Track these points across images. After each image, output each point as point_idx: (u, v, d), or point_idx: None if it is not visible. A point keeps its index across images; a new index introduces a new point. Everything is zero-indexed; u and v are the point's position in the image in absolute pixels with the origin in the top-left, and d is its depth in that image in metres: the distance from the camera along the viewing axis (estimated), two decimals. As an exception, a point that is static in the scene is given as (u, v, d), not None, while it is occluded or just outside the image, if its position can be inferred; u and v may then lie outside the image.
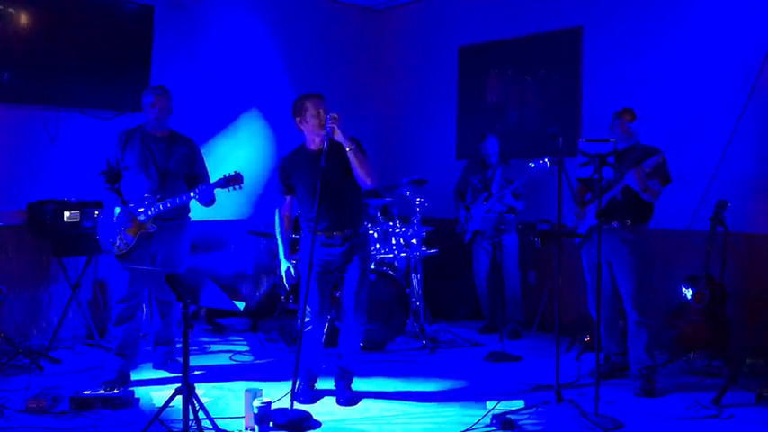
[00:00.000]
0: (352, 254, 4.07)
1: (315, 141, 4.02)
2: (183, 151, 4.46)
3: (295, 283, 4.21)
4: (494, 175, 5.80)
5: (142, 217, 4.27)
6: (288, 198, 4.18)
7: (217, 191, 4.31)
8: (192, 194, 4.27)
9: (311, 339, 4.10)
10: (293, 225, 4.38)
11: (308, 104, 3.98)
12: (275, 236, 4.24)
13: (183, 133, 4.58)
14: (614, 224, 4.27)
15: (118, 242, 4.33)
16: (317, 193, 3.75)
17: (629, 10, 5.62)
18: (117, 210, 4.30)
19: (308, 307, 3.96)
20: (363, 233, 4.17)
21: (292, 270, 4.14)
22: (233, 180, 4.22)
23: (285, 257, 4.17)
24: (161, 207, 4.26)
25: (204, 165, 4.61)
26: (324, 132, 3.86)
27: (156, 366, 4.66)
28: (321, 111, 3.94)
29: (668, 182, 4.26)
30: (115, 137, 4.43)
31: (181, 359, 4.55)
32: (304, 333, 3.93)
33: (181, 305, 4.56)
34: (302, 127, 4.04)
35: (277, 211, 4.23)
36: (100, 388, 3.98)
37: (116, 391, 3.94)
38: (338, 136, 3.84)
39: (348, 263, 4.08)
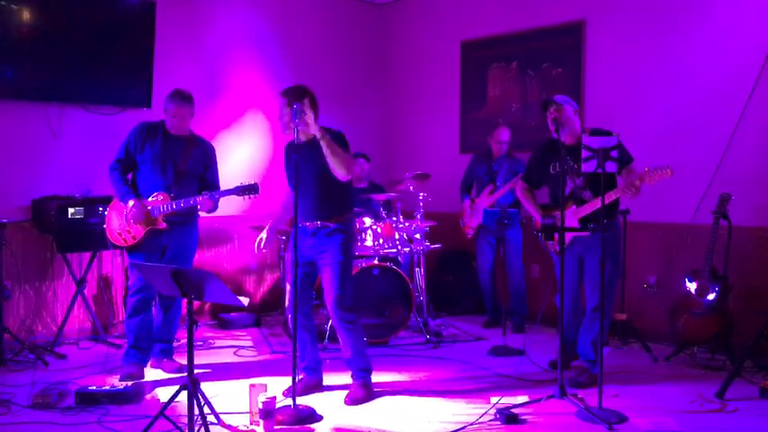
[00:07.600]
0: (325, 246, 4.04)
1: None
2: (199, 153, 4.52)
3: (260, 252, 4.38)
4: (500, 168, 5.80)
5: (155, 213, 4.33)
6: None
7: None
8: (203, 197, 4.30)
9: (298, 331, 4.06)
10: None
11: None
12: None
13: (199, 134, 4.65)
14: (592, 225, 4.23)
15: (125, 235, 4.39)
16: (295, 183, 3.79)
17: (631, 3, 5.60)
18: (131, 203, 4.32)
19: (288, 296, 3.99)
20: (339, 227, 4.05)
21: (263, 242, 4.29)
22: (249, 189, 4.21)
23: (268, 228, 4.32)
24: (174, 206, 4.31)
25: (217, 173, 4.64)
26: (289, 132, 3.85)
27: (153, 365, 4.61)
28: (283, 112, 3.94)
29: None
30: (137, 127, 4.48)
31: (177, 359, 4.60)
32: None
33: (183, 304, 4.62)
34: None
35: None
36: (122, 380, 4.14)
37: (128, 384, 3.98)
38: (310, 128, 3.85)
39: (322, 253, 4.06)
